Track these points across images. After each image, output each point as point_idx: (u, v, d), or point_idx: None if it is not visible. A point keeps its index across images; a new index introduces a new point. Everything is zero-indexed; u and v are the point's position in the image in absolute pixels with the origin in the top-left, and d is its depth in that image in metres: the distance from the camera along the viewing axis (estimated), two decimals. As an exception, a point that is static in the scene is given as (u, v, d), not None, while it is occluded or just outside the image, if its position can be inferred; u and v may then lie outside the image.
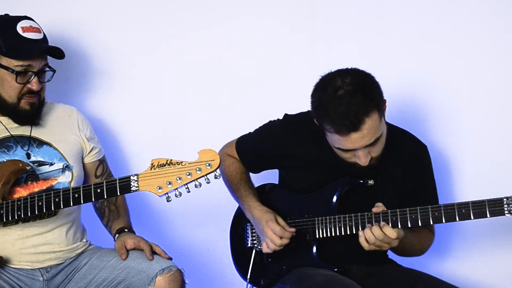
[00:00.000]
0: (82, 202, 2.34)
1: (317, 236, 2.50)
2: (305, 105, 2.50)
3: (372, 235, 2.36)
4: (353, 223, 2.44)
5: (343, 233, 2.46)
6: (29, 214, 2.39)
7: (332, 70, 2.42)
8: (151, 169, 2.26)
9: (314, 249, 2.52)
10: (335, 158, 2.50)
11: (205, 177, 2.24)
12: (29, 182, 2.51)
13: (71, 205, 2.36)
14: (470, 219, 2.31)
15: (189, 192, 2.25)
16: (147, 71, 3.17)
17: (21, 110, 2.54)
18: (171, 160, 2.25)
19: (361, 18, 3.11)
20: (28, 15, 2.57)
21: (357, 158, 2.39)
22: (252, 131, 2.72)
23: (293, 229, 2.52)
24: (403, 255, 2.63)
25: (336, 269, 2.48)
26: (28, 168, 2.48)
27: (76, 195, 2.33)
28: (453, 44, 3.02)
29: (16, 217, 2.39)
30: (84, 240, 2.66)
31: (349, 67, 2.42)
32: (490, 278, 2.98)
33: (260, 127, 2.70)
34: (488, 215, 2.29)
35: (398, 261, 2.66)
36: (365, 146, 2.36)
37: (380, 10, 3.09)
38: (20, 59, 2.48)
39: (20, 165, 2.47)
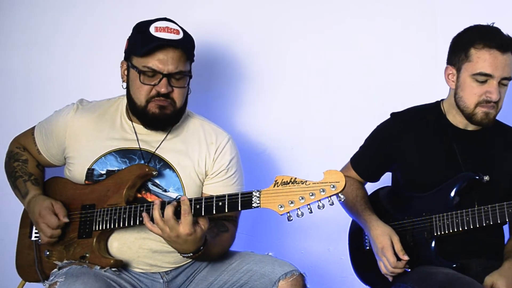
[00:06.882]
0: (202, 214, 2.24)
1: (435, 234, 2.50)
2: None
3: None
4: (470, 218, 2.44)
5: (460, 229, 2.45)
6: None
7: None
8: (274, 186, 2.15)
9: (433, 246, 2.51)
10: (450, 147, 2.54)
11: (329, 198, 2.12)
12: (143, 192, 2.43)
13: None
14: None
15: (311, 213, 2.13)
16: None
17: (149, 112, 2.40)
18: (296, 178, 2.14)
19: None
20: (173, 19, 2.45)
21: (489, 93, 2.47)
22: (359, 147, 2.75)
23: (407, 257, 2.48)
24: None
25: (454, 265, 2.47)
26: (154, 173, 2.40)
27: (198, 206, 2.23)
28: None
29: (138, 223, 2.32)
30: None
31: None
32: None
33: (369, 136, 2.73)
34: None
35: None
36: (500, 81, 2.46)
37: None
38: (141, 56, 2.37)
39: (147, 169, 2.39)
